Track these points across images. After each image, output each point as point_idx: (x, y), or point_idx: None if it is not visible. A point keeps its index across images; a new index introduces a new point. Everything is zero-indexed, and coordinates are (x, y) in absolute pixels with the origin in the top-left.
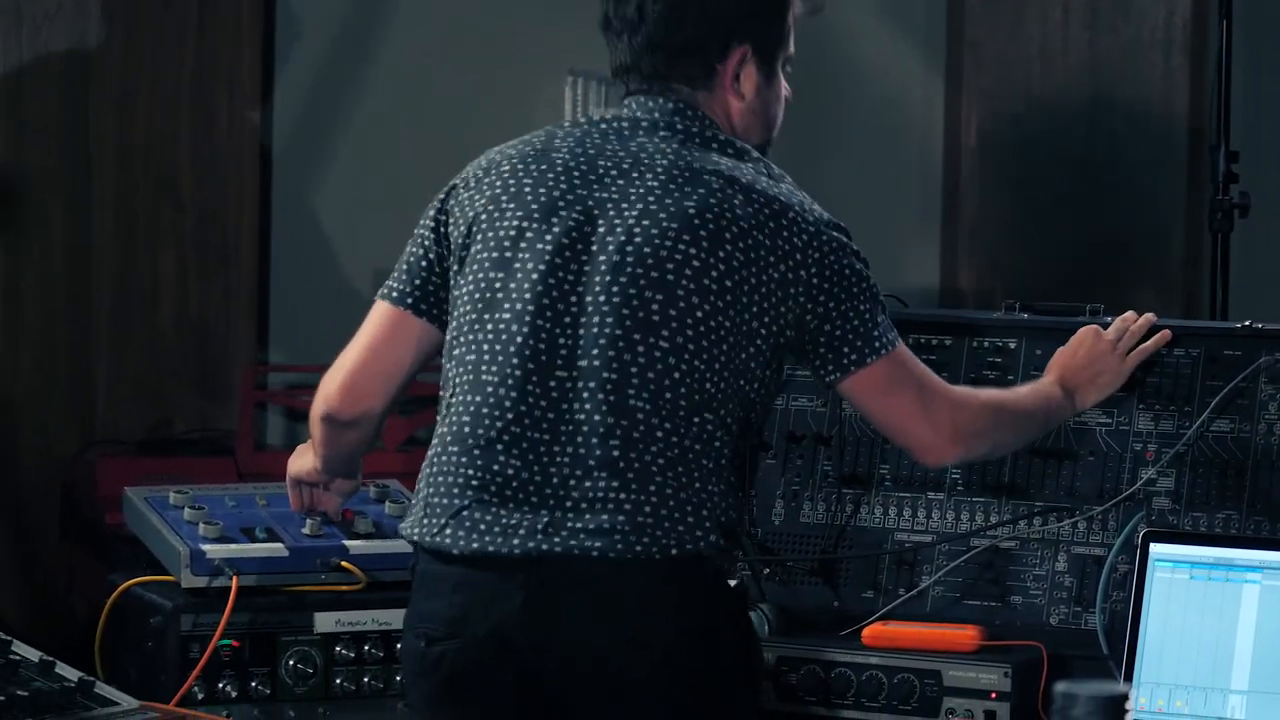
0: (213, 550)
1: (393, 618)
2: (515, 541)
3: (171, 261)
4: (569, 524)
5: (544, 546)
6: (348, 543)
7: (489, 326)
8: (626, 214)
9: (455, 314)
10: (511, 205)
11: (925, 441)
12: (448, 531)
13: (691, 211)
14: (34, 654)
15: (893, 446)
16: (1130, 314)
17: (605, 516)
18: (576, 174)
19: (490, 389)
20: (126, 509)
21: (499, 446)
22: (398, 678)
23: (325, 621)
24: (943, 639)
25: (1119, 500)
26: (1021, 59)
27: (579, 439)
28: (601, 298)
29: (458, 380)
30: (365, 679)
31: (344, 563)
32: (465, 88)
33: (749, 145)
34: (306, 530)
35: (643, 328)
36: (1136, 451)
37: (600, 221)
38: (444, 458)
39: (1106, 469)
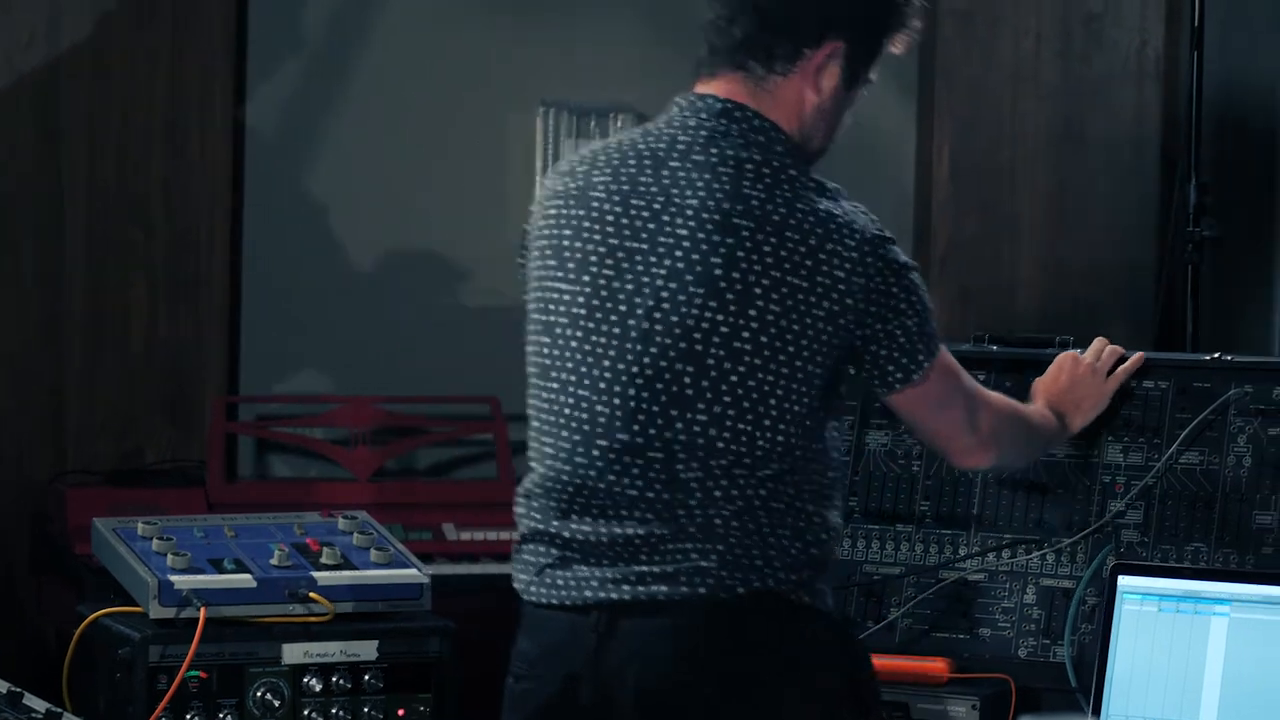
0: (181, 581)
1: (361, 649)
2: (588, 593)
3: (143, 290)
4: (636, 571)
5: (614, 595)
6: (316, 574)
7: (543, 395)
8: (655, 271)
9: (527, 377)
10: (553, 263)
11: (966, 446)
12: (533, 588)
13: (718, 273)
14: (2, 685)
15: (861, 478)
16: (1102, 339)
17: (671, 568)
18: (610, 219)
19: (550, 459)
20: (95, 539)
21: (572, 515)
22: (365, 708)
23: (293, 653)
24: (911, 671)
25: (1088, 532)
26: (994, 87)
27: (636, 512)
28: (634, 369)
29: (532, 440)
30: (333, 710)
31: (312, 594)
32: (438, 117)
33: (796, 154)
34: (274, 561)
35: (679, 403)
36: (1105, 484)
37: (629, 276)
38: (533, 511)
39: (1075, 501)
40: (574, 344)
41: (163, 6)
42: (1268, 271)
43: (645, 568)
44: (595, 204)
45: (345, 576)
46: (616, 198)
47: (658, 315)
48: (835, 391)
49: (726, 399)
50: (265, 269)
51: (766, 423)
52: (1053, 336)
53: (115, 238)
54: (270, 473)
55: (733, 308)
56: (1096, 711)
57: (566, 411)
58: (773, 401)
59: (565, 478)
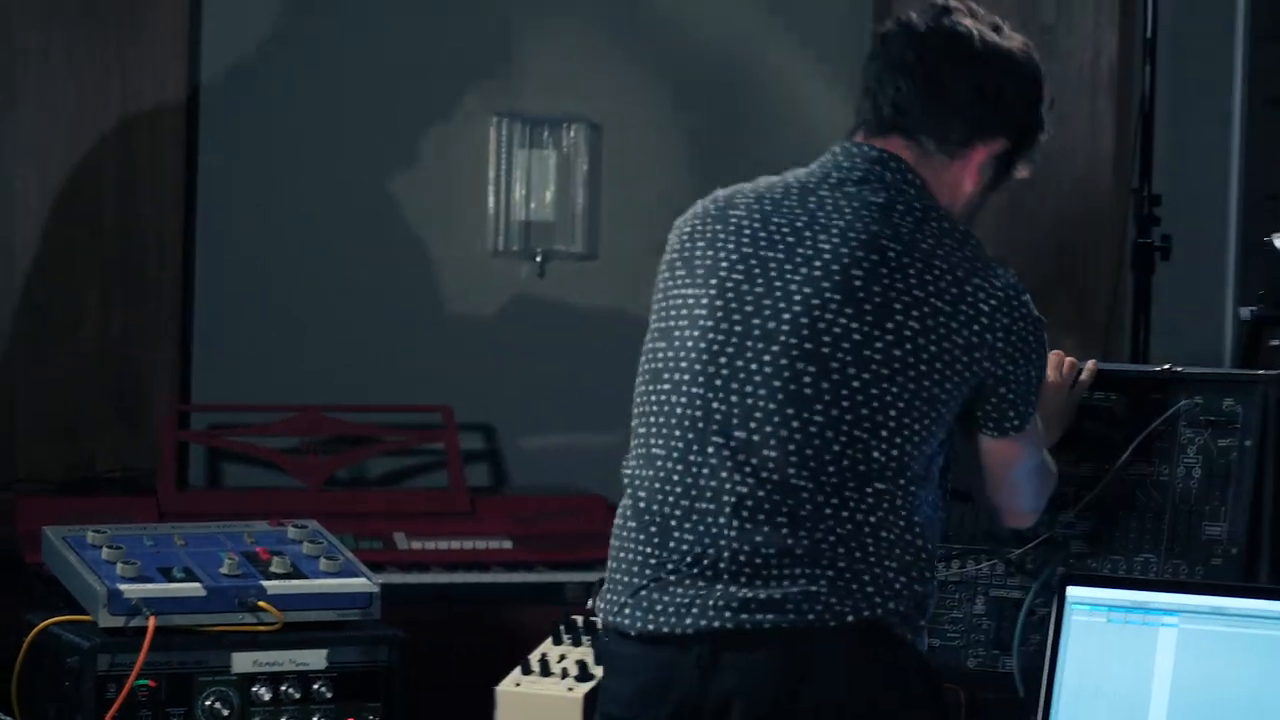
0: (130, 590)
1: (310, 658)
2: (689, 620)
3: (95, 298)
4: (742, 595)
5: (715, 624)
6: (265, 583)
7: (654, 398)
8: (789, 277)
9: (635, 388)
10: (681, 273)
11: (1024, 512)
12: (626, 611)
13: (858, 284)
14: None
15: None
16: (1058, 352)
17: (779, 593)
18: (747, 232)
19: (660, 462)
20: (45, 548)
21: (673, 523)
22: (314, 717)
23: (242, 662)
24: None
25: (1037, 543)
26: None
27: (743, 513)
28: (754, 366)
29: (635, 452)
30: (282, 719)
31: (261, 603)
32: (391, 127)
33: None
34: (224, 570)
35: (796, 401)
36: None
37: (760, 281)
38: (625, 532)
39: None
40: (690, 343)
41: (116, 6)
42: (1219, 282)
43: (750, 592)
44: (734, 219)
45: (295, 585)
46: (757, 215)
47: (786, 316)
48: (950, 428)
49: (845, 403)
50: (218, 277)
51: (884, 433)
52: None
53: (67, 244)
54: (222, 481)
55: (869, 318)
56: None
57: (679, 411)
58: (893, 414)
59: (676, 478)
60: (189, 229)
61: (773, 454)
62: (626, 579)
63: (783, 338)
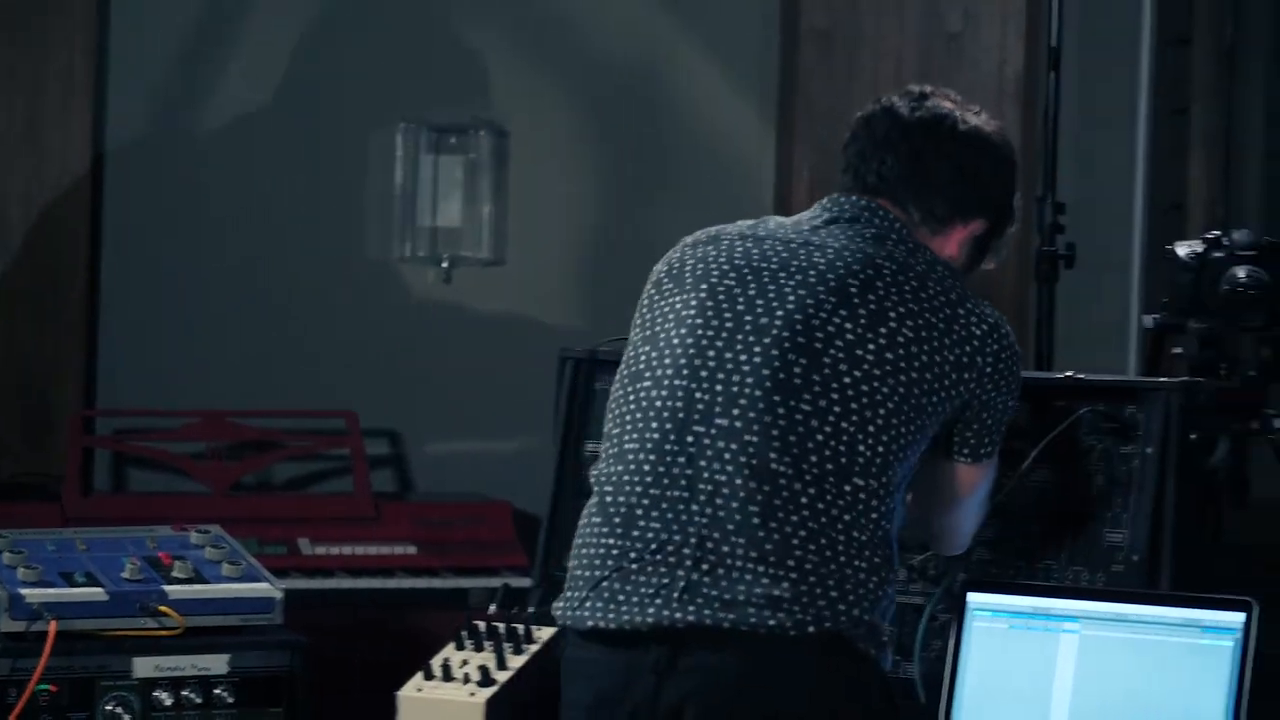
0: (31, 594)
1: (211, 663)
2: (650, 610)
3: (0, 305)
4: (704, 590)
5: (678, 615)
6: (167, 587)
7: (631, 397)
8: (783, 282)
9: (610, 397)
10: (670, 285)
11: (967, 539)
12: (587, 605)
13: (854, 290)
14: None
15: None
16: None
17: (742, 588)
18: (739, 249)
19: (631, 456)
20: None
21: (639, 512)
22: None
23: (144, 666)
24: None
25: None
26: (853, 108)
27: (718, 500)
28: (743, 357)
29: (606, 453)
30: None
31: (163, 607)
32: (299, 133)
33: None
34: (126, 574)
35: (784, 390)
36: None
37: (752, 284)
38: (588, 529)
39: None
40: (677, 339)
41: (23, 19)
42: (1124, 290)
43: (713, 588)
44: (725, 239)
45: (197, 590)
46: (750, 238)
47: (779, 314)
48: (921, 451)
49: (835, 395)
50: (123, 283)
51: (871, 429)
52: None
53: None
54: (127, 487)
55: (863, 320)
56: None
57: (659, 404)
58: (882, 412)
59: (648, 468)
60: (95, 234)
61: (754, 439)
62: (587, 574)
63: (775, 331)
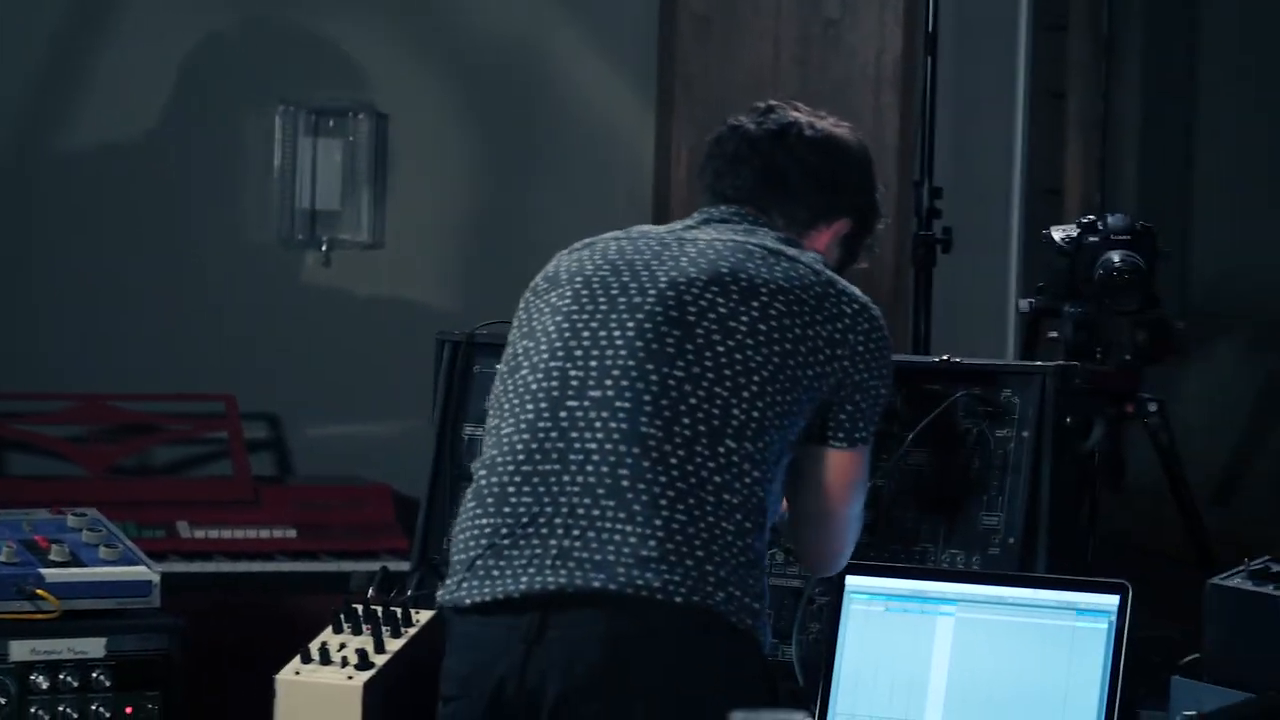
0: None
1: (89, 646)
2: (523, 579)
3: None
4: (575, 554)
5: (550, 579)
6: (43, 570)
7: (510, 387)
8: (655, 268)
9: (490, 394)
10: (544, 286)
11: (842, 556)
12: (464, 586)
13: (725, 271)
14: None
15: None
16: None
17: (611, 548)
18: (614, 246)
19: (506, 438)
20: None
21: (510, 489)
22: (93, 705)
23: (20, 650)
24: None
25: None
26: (732, 92)
27: (589, 467)
28: (616, 332)
29: (486, 442)
30: (60, 708)
31: (39, 590)
32: (176, 114)
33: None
34: (1, 558)
35: (657, 358)
36: None
37: (626, 273)
38: (464, 515)
39: None
40: (553, 327)
41: None
42: (1002, 274)
43: (584, 551)
44: (600, 244)
45: (73, 573)
46: (624, 239)
47: (652, 293)
48: (802, 436)
49: (709, 362)
50: (1, 265)
51: (746, 394)
52: None
53: None
54: (4, 470)
55: (735, 296)
56: (824, 710)
57: (534, 387)
58: (756, 379)
59: (520, 446)
60: None
61: (626, 404)
62: (463, 556)
63: (648, 307)
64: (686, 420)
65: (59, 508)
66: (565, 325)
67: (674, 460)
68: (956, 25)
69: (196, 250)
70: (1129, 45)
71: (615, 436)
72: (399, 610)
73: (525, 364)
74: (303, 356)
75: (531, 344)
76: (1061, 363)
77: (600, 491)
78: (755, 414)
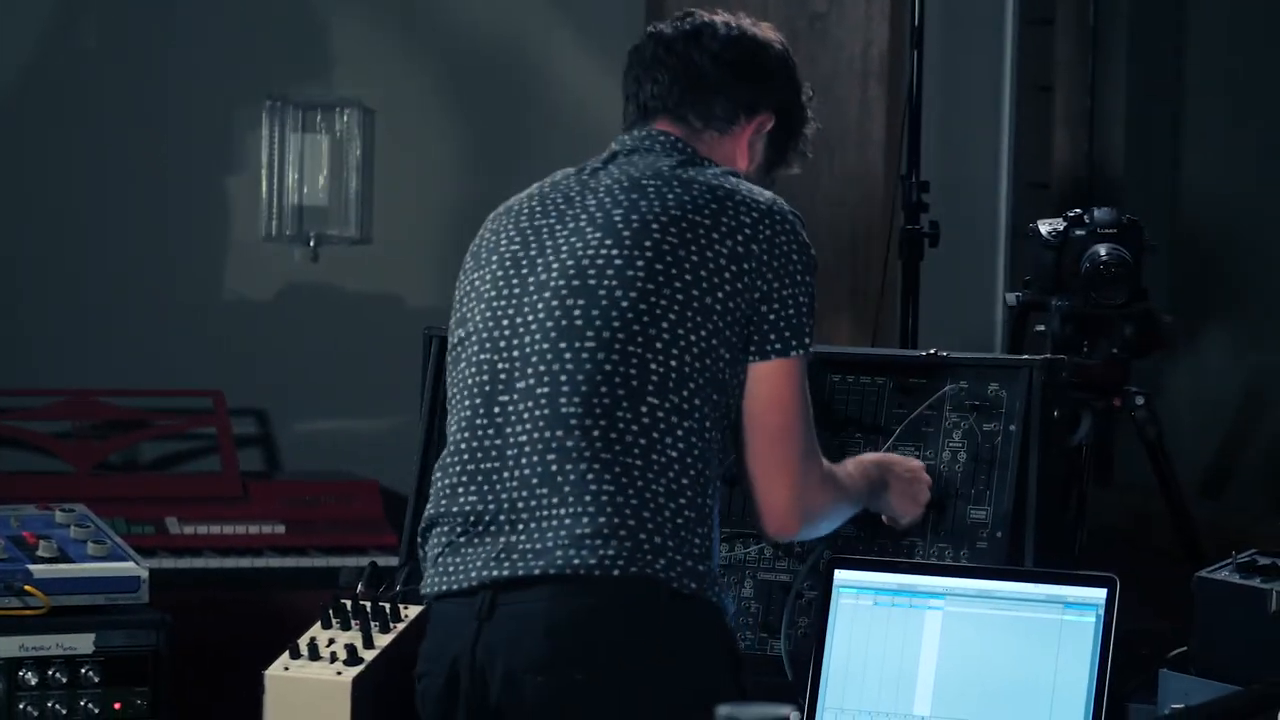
0: None
1: (77, 642)
2: (473, 574)
3: None
4: (520, 547)
5: (495, 573)
6: (32, 567)
7: (454, 380)
8: (559, 235)
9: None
10: (470, 264)
11: (778, 509)
12: (428, 581)
13: (618, 218)
14: None
15: None
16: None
17: (550, 534)
18: (524, 213)
19: (452, 437)
20: None
21: (459, 489)
22: (81, 702)
23: (8, 646)
24: None
25: None
26: None
27: (523, 459)
28: (530, 316)
29: (450, 432)
30: (49, 704)
31: (28, 586)
32: (163, 112)
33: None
34: None
35: (568, 335)
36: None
37: (534, 244)
38: (429, 514)
39: None
40: (479, 317)
41: None
42: (990, 268)
43: (527, 541)
44: (514, 208)
45: (61, 570)
46: (535, 198)
47: (555, 267)
48: (741, 357)
49: (616, 323)
50: None
51: (659, 345)
52: None
53: None
54: None
55: (628, 242)
56: (812, 704)
57: (470, 382)
58: (665, 325)
59: (464, 446)
60: None
61: (546, 389)
62: (431, 552)
63: (553, 284)
64: (604, 389)
65: (46, 504)
66: (488, 313)
67: (596, 433)
68: (943, 19)
69: (184, 246)
70: (1116, 40)
71: (541, 424)
72: (387, 605)
73: (463, 356)
74: (291, 352)
75: (464, 333)
76: (1048, 356)
77: (534, 482)
78: (673, 363)
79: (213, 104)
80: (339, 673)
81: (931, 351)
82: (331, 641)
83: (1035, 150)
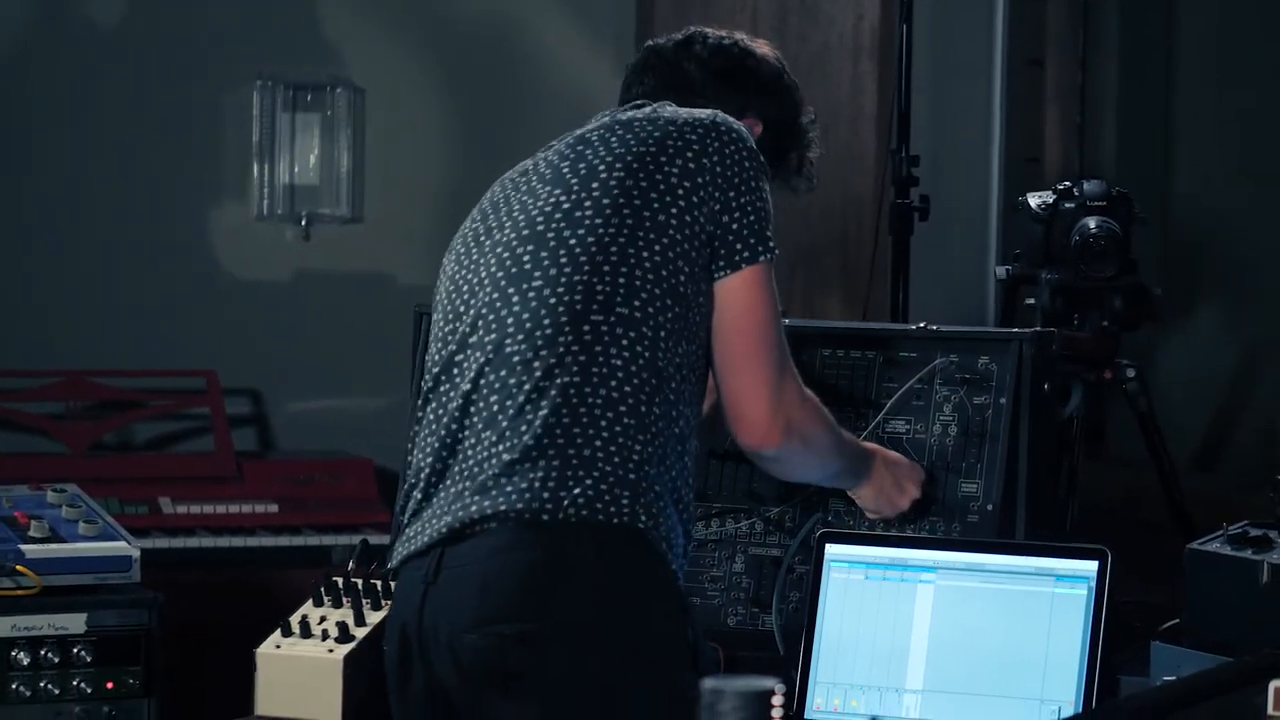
0: None
1: (69, 622)
2: (426, 534)
3: None
4: (466, 495)
5: (445, 520)
6: (24, 547)
7: (429, 357)
8: (513, 202)
9: None
10: (449, 256)
11: (759, 415)
12: (394, 552)
13: (565, 169)
14: None
15: None
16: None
17: (491, 471)
18: (497, 188)
19: (421, 412)
20: None
21: (419, 454)
22: (74, 681)
23: (1, 626)
24: None
25: (796, 501)
26: None
27: (470, 409)
28: (483, 274)
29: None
30: (42, 683)
31: (20, 566)
32: (154, 90)
33: None
34: None
35: (516, 280)
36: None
37: (491, 215)
38: (401, 490)
39: None
40: (443, 292)
41: None
42: (982, 242)
43: (470, 484)
44: (487, 195)
45: (53, 549)
46: (508, 177)
47: (508, 225)
48: (705, 274)
49: (563, 259)
50: None
51: (606, 268)
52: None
53: None
54: None
55: (575, 185)
56: (805, 679)
57: (437, 356)
58: (614, 249)
59: (432, 415)
60: None
61: (492, 336)
62: (403, 533)
63: (505, 239)
64: (547, 322)
65: (38, 483)
66: (450, 286)
67: (537, 364)
68: None
69: (176, 226)
70: (1106, 12)
71: (487, 370)
72: (379, 583)
73: (435, 332)
74: (283, 331)
75: (438, 315)
76: (1039, 329)
77: (480, 427)
78: (620, 280)
79: (204, 84)
80: (330, 650)
81: (922, 325)
82: (323, 619)
83: (1026, 123)
